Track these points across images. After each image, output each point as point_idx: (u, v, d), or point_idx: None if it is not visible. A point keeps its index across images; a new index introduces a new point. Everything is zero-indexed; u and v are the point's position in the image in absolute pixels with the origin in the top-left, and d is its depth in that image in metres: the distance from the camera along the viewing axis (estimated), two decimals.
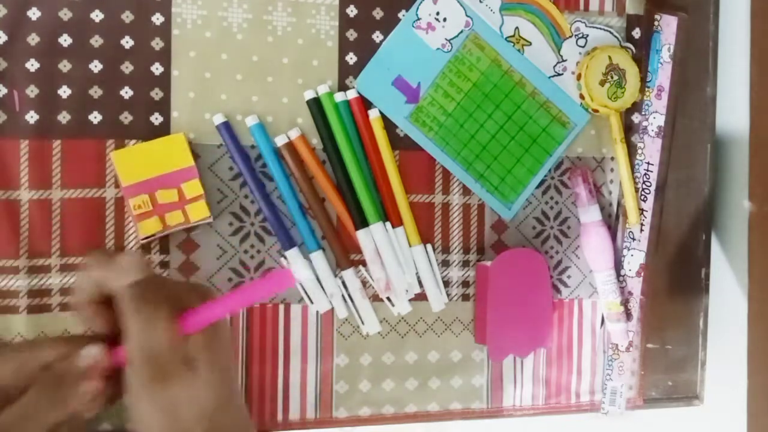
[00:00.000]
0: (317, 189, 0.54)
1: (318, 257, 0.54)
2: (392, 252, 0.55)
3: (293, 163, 0.53)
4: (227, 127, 0.52)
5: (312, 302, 0.54)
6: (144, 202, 0.49)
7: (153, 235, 0.49)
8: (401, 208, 0.56)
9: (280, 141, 0.53)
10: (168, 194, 0.49)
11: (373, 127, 0.55)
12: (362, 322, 0.55)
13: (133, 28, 0.51)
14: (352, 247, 0.55)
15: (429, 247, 0.56)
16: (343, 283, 0.55)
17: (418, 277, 0.56)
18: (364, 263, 0.55)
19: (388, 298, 0.56)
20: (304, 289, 0.54)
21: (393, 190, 0.55)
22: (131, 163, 0.49)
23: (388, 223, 0.55)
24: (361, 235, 0.54)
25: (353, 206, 0.54)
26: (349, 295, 0.55)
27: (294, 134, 0.53)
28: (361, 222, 0.54)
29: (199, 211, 0.50)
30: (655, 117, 0.61)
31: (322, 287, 0.54)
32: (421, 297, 0.57)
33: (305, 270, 0.41)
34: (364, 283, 0.55)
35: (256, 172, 0.53)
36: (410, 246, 0.56)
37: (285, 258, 0.53)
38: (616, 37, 0.60)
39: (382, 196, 0.55)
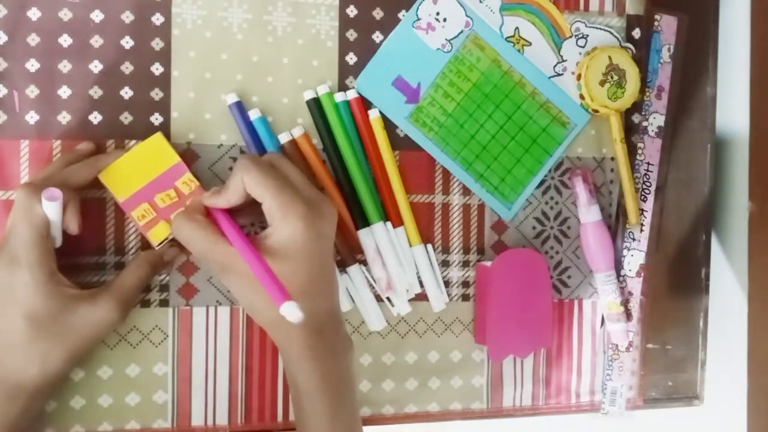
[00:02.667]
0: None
1: None
2: (393, 252, 0.55)
3: (297, 160, 0.53)
4: (240, 107, 0.52)
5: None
6: (146, 210, 0.48)
7: (165, 239, 0.49)
8: (402, 208, 0.56)
9: (283, 139, 0.53)
10: (167, 196, 0.49)
11: (373, 128, 0.55)
12: (368, 319, 0.55)
13: (133, 28, 0.51)
14: (354, 246, 0.55)
15: (429, 247, 0.56)
16: (350, 278, 0.55)
17: (419, 277, 0.56)
18: (365, 263, 0.55)
19: (388, 298, 0.56)
20: None
21: (393, 190, 0.55)
22: (119, 177, 0.48)
23: (388, 223, 0.55)
24: (362, 235, 0.54)
25: (354, 206, 0.54)
26: (350, 294, 0.55)
27: (297, 132, 0.53)
28: (362, 222, 0.54)
29: None
30: (655, 117, 0.61)
31: None
32: (421, 297, 0.57)
33: (298, 314, 0.42)
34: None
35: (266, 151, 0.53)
36: (411, 246, 0.56)
37: None
38: (616, 37, 0.60)
39: (382, 196, 0.55)
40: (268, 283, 0.43)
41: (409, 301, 0.56)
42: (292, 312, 0.41)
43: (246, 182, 0.46)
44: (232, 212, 0.48)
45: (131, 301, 0.48)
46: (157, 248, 0.49)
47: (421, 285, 0.56)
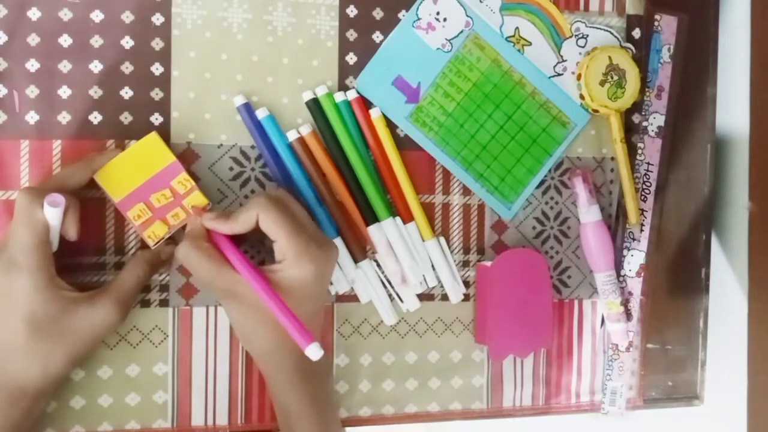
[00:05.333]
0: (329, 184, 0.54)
1: (338, 244, 0.54)
2: (405, 246, 0.55)
3: (305, 158, 0.53)
4: (248, 108, 0.52)
5: (331, 282, 0.54)
6: (142, 210, 0.48)
7: (161, 239, 0.49)
8: (411, 204, 0.56)
9: (291, 137, 0.53)
10: (162, 196, 0.49)
11: (375, 126, 0.55)
12: (382, 313, 0.56)
13: (133, 28, 0.51)
14: (364, 244, 0.55)
15: (442, 240, 0.56)
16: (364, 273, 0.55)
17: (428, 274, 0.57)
18: (376, 260, 0.55)
19: (397, 294, 0.56)
20: None
21: (401, 187, 0.55)
22: (115, 177, 0.48)
23: (398, 218, 0.55)
24: (373, 231, 0.54)
25: (363, 204, 0.54)
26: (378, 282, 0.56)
27: (305, 130, 0.53)
28: (372, 219, 0.55)
29: (197, 203, 0.49)
30: (655, 117, 0.61)
31: (342, 271, 0.55)
32: (423, 296, 0.57)
33: (321, 353, 0.45)
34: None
35: (278, 154, 0.53)
36: (423, 241, 0.56)
37: None
38: (616, 37, 0.60)
39: (390, 194, 0.55)
40: (291, 325, 0.45)
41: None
42: (316, 352, 0.44)
43: (262, 220, 0.47)
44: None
45: (130, 301, 0.48)
46: (153, 248, 0.49)
47: (435, 280, 0.57)
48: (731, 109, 0.64)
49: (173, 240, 0.51)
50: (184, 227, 0.50)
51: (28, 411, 0.45)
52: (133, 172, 0.48)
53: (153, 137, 0.49)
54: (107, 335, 0.48)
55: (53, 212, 0.44)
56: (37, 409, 0.46)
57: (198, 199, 0.49)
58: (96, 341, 0.47)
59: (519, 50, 0.58)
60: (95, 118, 0.50)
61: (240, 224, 0.47)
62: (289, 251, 0.47)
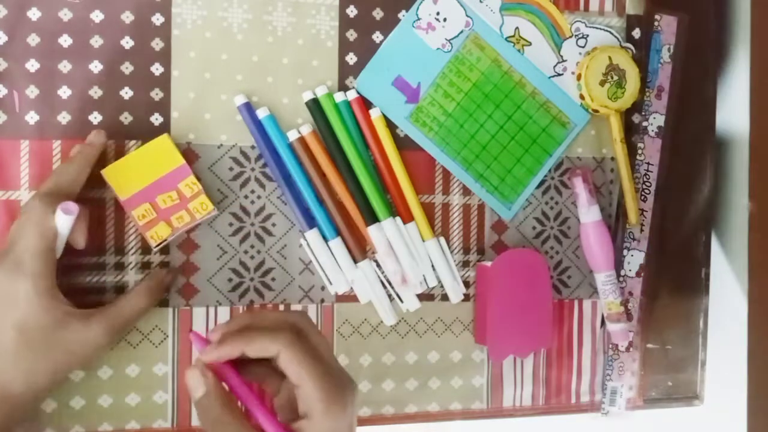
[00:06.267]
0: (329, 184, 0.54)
1: (337, 245, 0.54)
2: (405, 246, 0.55)
3: (305, 157, 0.53)
4: (248, 108, 0.52)
5: (331, 283, 0.54)
6: (147, 210, 0.48)
7: (164, 240, 0.49)
8: (411, 204, 0.56)
9: (291, 136, 0.53)
10: (168, 198, 0.49)
11: (375, 126, 0.55)
12: (382, 313, 0.56)
13: (133, 28, 0.51)
14: (364, 243, 0.55)
15: (443, 240, 0.56)
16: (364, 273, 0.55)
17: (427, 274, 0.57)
18: (375, 260, 0.55)
19: (397, 295, 0.56)
20: (323, 269, 0.54)
21: (401, 187, 0.55)
22: (123, 176, 0.48)
23: (398, 218, 0.55)
24: (373, 231, 0.54)
25: (363, 204, 0.54)
26: (380, 282, 0.56)
27: (306, 130, 0.53)
28: (371, 219, 0.55)
29: (202, 207, 0.49)
30: (655, 117, 0.61)
31: (342, 272, 0.55)
32: (423, 297, 0.57)
33: None
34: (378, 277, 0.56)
35: (278, 153, 0.53)
36: (424, 241, 0.56)
37: (304, 239, 0.53)
38: (616, 37, 0.60)
39: (390, 194, 0.55)
40: None
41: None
42: None
43: (284, 361, 0.41)
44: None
45: (123, 330, 0.48)
46: (155, 249, 0.49)
47: (435, 280, 0.57)
48: (731, 109, 0.64)
49: (169, 246, 0.51)
50: (187, 231, 0.50)
51: (8, 416, 0.44)
52: (141, 172, 0.49)
53: (164, 139, 0.49)
54: (94, 357, 0.47)
55: (65, 220, 0.44)
56: (17, 416, 0.45)
57: (203, 204, 0.49)
58: (82, 360, 0.46)
59: (519, 50, 0.58)
60: (95, 118, 0.50)
61: (254, 351, 0.41)
62: (318, 403, 0.40)
